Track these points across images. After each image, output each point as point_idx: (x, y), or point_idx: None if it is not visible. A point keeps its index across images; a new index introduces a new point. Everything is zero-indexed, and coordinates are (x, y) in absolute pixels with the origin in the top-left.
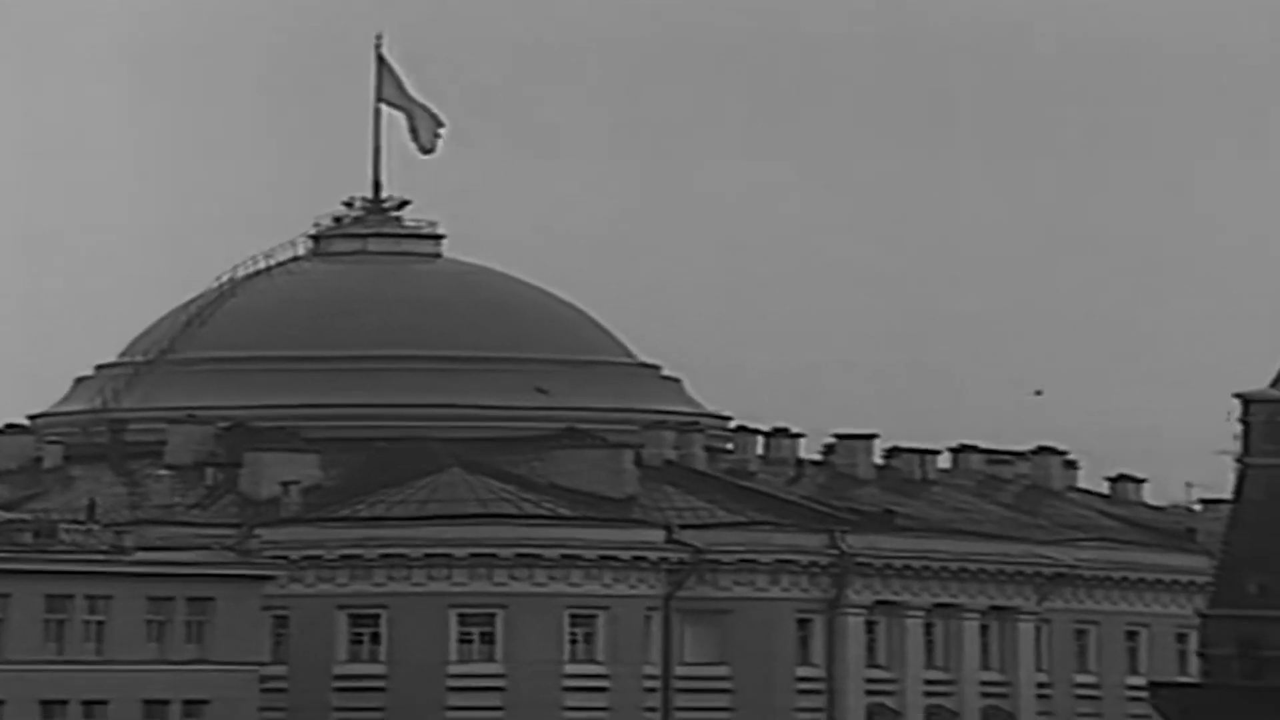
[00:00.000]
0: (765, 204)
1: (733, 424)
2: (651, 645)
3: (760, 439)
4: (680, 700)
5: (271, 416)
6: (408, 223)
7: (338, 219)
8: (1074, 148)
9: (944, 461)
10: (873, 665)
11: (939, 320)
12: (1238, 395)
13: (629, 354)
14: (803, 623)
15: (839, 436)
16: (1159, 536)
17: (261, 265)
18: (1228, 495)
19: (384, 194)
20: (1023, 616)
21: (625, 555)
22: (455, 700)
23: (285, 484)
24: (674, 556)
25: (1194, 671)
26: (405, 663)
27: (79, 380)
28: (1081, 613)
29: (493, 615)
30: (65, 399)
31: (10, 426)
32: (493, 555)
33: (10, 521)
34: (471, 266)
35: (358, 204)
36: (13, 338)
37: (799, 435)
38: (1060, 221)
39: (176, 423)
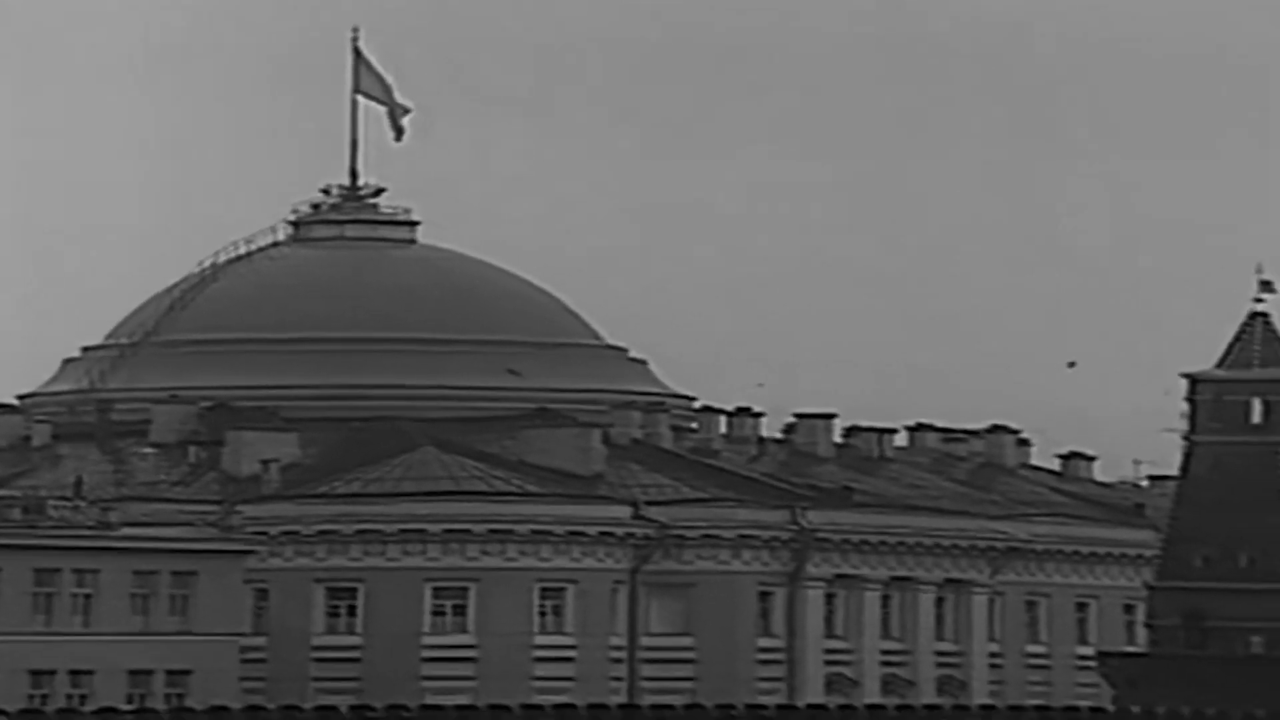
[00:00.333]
0: (730, 193)
1: (697, 404)
2: (618, 617)
3: (723, 418)
4: (646, 670)
5: (252, 397)
6: (383, 210)
7: (316, 206)
8: (1035, 143)
9: (901, 440)
10: (831, 636)
11: (903, 306)
12: (1184, 375)
13: (597, 337)
14: (764, 595)
15: (799, 416)
16: (1108, 512)
17: (242, 251)
18: (1174, 472)
19: (360, 182)
20: (976, 589)
21: (593, 531)
22: (429, 670)
23: (265, 462)
24: (640, 532)
25: (1141, 641)
26: (381, 634)
27: (67, 361)
28: (1033, 585)
29: (465, 589)
30: (53, 380)
31: (0, 406)
32: (465, 531)
33: (0, 498)
34: (445, 252)
35: (335, 192)
36: (2, 321)
37: (761, 415)
38: (1019, 212)
39: (160, 403)
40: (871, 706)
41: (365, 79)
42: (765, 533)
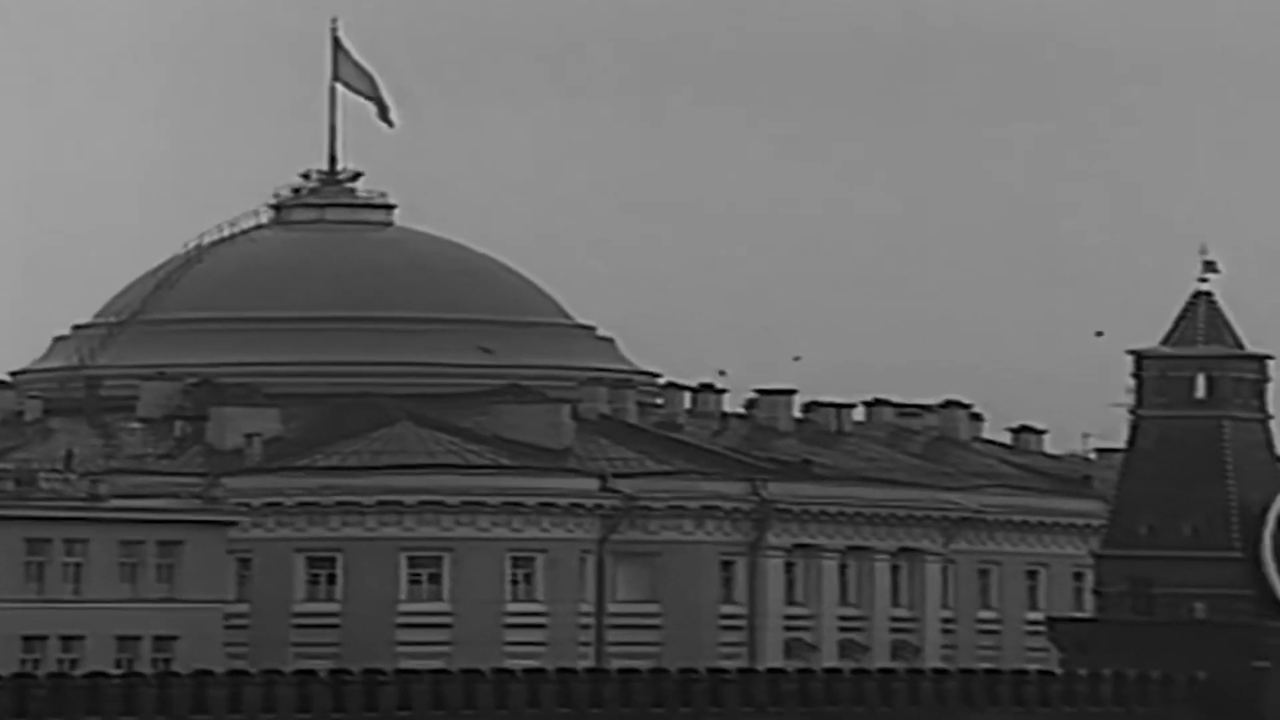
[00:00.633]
0: (695, 175)
1: (662, 380)
2: (586, 585)
3: (687, 394)
4: (613, 636)
5: (235, 373)
6: (361, 194)
7: (296, 190)
8: (985, 128)
9: (858, 415)
10: (791, 603)
11: (855, 280)
12: (1131, 352)
13: (566, 316)
14: (726, 564)
15: (760, 392)
16: (1057, 483)
17: (226, 233)
18: (1121, 445)
19: (339, 167)
20: (930, 557)
21: (562, 502)
22: (405, 636)
23: (248, 436)
24: (607, 503)
25: (1089, 607)
26: (359, 601)
27: (57, 339)
28: (985, 554)
29: (440, 558)
30: (44, 357)
31: None
32: (440, 502)
33: None
34: (420, 234)
35: (314, 176)
36: None
37: (723, 391)
38: (970, 197)
39: (147, 379)
40: (829, 670)
41: (344, 68)
42: (727, 504)
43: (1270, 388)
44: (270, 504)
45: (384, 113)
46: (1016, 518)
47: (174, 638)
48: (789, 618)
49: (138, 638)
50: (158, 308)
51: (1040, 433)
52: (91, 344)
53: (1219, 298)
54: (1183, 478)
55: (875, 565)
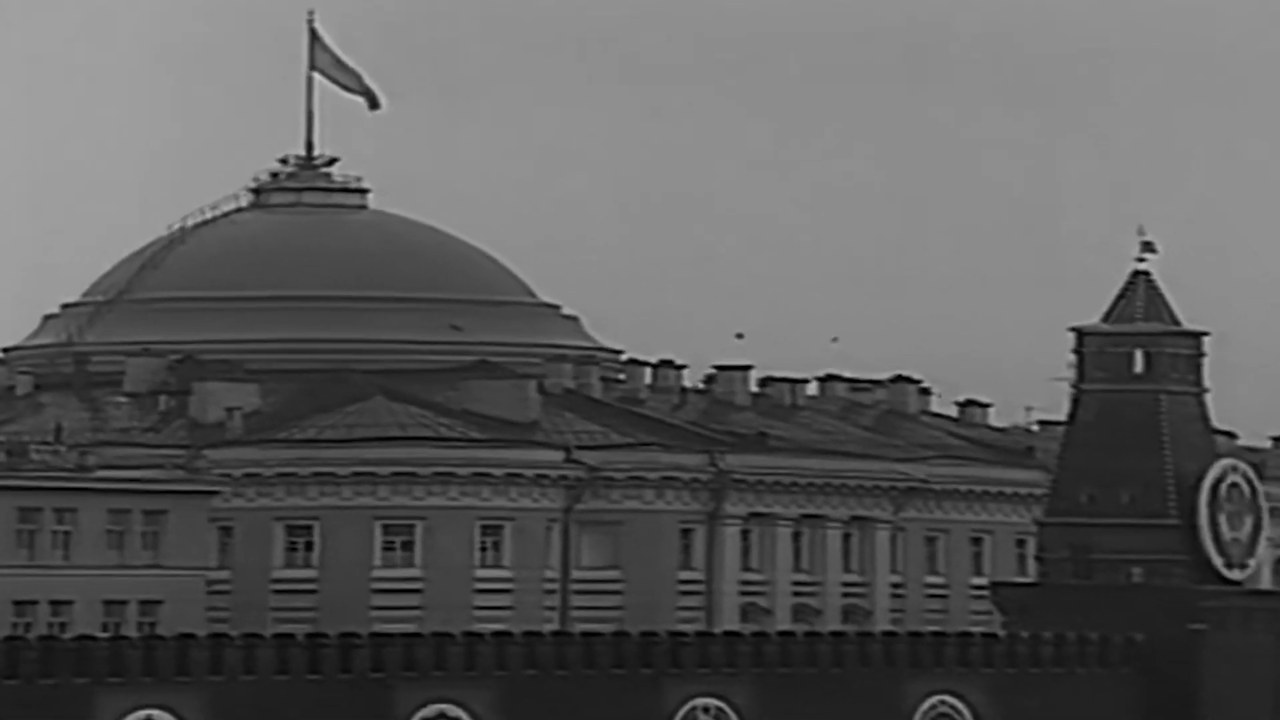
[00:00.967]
0: (660, 162)
1: (624, 356)
2: (552, 552)
3: (648, 370)
4: (577, 600)
5: (217, 350)
6: (337, 178)
7: (275, 175)
8: (940, 109)
9: (811, 389)
10: (747, 569)
11: (813, 262)
12: (1073, 329)
13: (532, 295)
14: (685, 532)
15: (719, 368)
16: (1001, 454)
17: (208, 216)
18: (1063, 418)
19: (316, 153)
20: (880, 525)
21: (529, 473)
22: (379, 600)
23: (229, 410)
24: (572, 474)
25: (1031, 572)
26: (335, 567)
27: (47, 318)
28: (932, 522)
29: (412, 526)
30: (35, 334)
31: None
32: (412, 473)
33: None
34: (393, 217)
35: (292, 162)
36: None
37: (683, 366)
38: (918, 180)
39: (133, 355)
40: (783, 633)
41: (320, 58)
42: (686, 474)
43: (1205, 362)
44: (250, 475)
45: (371, 98)
46: (963, 487)
47: (158, 602)
48: (745, 583)
49: (124, 602)
50: (143, 287)
51: (985, 406)
52: (80, 322)
53: (1156, 276)
54: (1121, 449)
55: (827, 533)
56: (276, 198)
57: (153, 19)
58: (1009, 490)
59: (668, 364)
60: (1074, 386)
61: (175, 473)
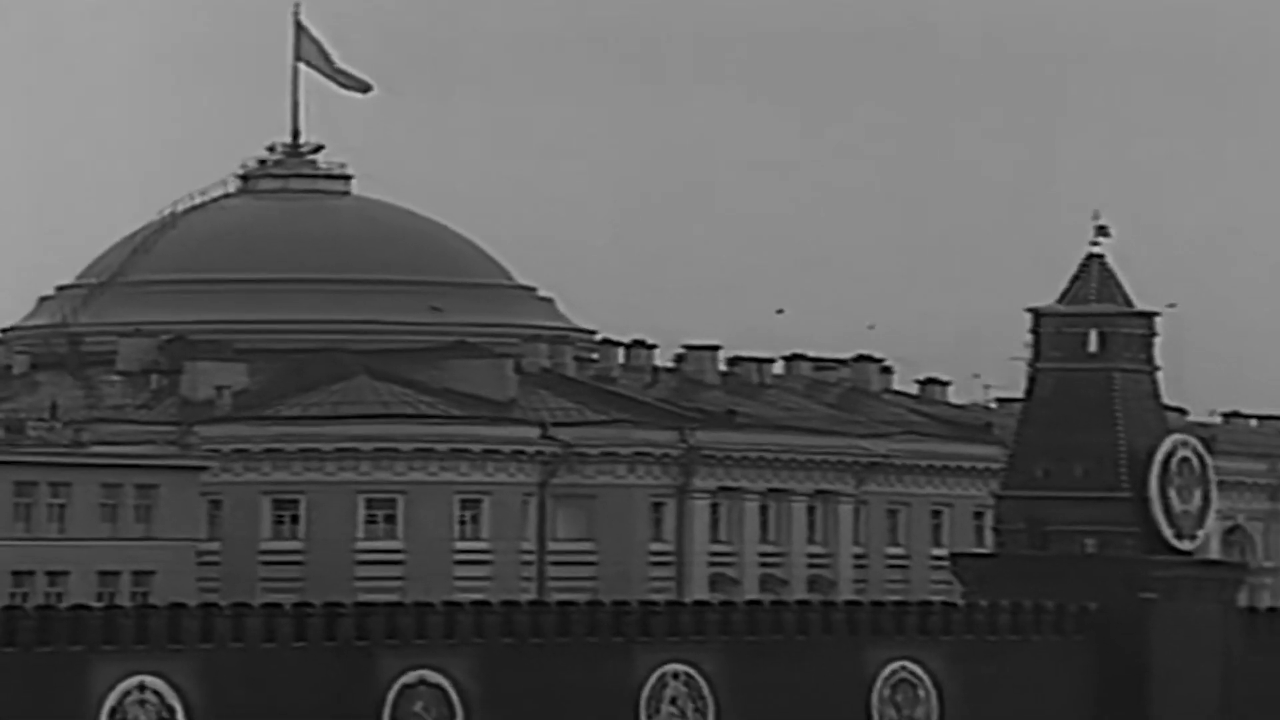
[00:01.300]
0: (654, 156)
1: (598, 337)
2: (528, 525)
3: (621, 350)
4: (553, 572)
5: (207, 330)
6: (321, 165)
7: (262, 161)
8: (923, 100)
9: (778, 368)
10: (715, 541)
11: (780, 245)
12: (1030, 309)
13: (509, 277)
14: (656, 506)
15: (688, 347)
16: (960, 430)
17: (198, 201)
18: (1020, 395)
19: (301, 140)
20: (843, 499)
21: (506, 449)
22: (362, 572)
23: (218, 388)
24: (547, 450)
25: (989, 544)
26: (320, 540)
27: (42, 299)
28: (893, 495)
29: (394, 500)
30: (30, 315)
31: None
32: (394, 449)
33: None
34: (376, 202)
35: (279, 149)
36: None
37: (654, 346)
38: (881, 168)
39: (126, 335)
40: (750, 602)
41: (305, 48)
42: (657, 450)
43: (1157, 342)
44: (238, 450)
45: (362, 86)
46: (923, 462)
47: (151, 572)
48: (713, 554)
49: (117, 573)
50: (135, 270)
51: (945, 384)
52: (74, 304)
53: (1110, 260)
54: (1076, 425)
55: (793, 506)
56: (264, 184)
57: (147, 15)
58: (968, 465)
59: (640, 344)
60: (1031, 365)
61: (166, 448)
